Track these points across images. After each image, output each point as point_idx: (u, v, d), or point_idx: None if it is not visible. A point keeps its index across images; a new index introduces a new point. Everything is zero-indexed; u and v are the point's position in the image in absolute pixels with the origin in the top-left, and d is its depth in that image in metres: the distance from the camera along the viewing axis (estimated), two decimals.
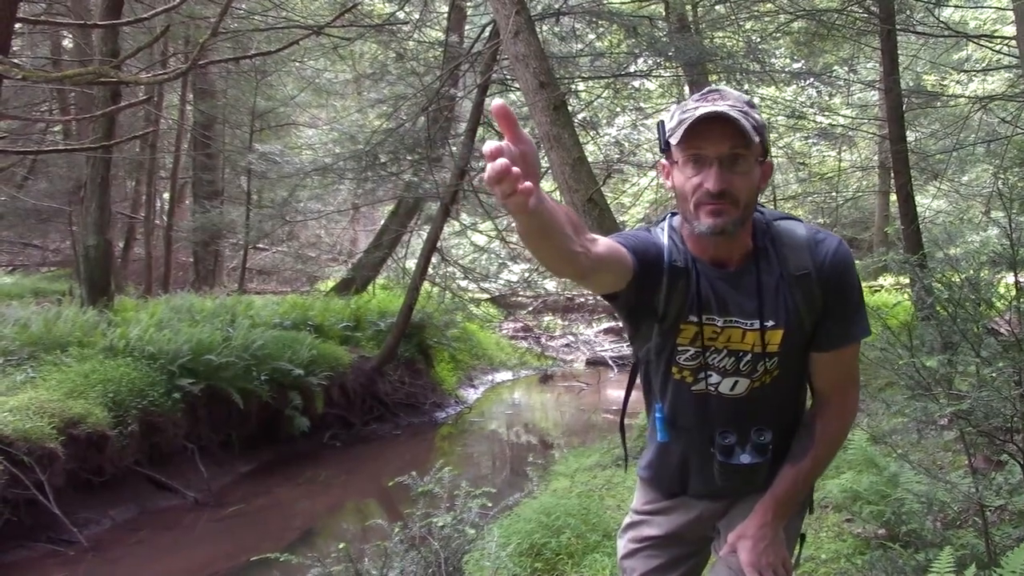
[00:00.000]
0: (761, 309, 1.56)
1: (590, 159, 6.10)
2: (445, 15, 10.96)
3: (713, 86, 1.60)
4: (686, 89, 9.34)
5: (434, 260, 10.12)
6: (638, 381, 1.82)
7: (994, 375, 2.42)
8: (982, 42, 8.90)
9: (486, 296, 12.35)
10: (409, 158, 10.02)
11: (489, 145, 1.02)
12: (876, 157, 14.04)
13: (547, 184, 11.62)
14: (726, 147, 1.45)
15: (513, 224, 1.22)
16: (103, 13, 7.26)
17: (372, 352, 9.53)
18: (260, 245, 14.89)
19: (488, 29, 8.92)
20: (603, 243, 1.40)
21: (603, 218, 4.80)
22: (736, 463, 1.62)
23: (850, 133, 12.33)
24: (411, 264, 11.41)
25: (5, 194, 11.73)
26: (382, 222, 13.88)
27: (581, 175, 4.86)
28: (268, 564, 3.33)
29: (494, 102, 1.04)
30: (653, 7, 9.47)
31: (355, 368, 8.90)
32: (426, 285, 10.32)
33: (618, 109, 10.80)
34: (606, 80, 9.54)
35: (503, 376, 12.82)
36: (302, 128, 16.40)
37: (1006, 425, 2.51)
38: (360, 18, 10.06)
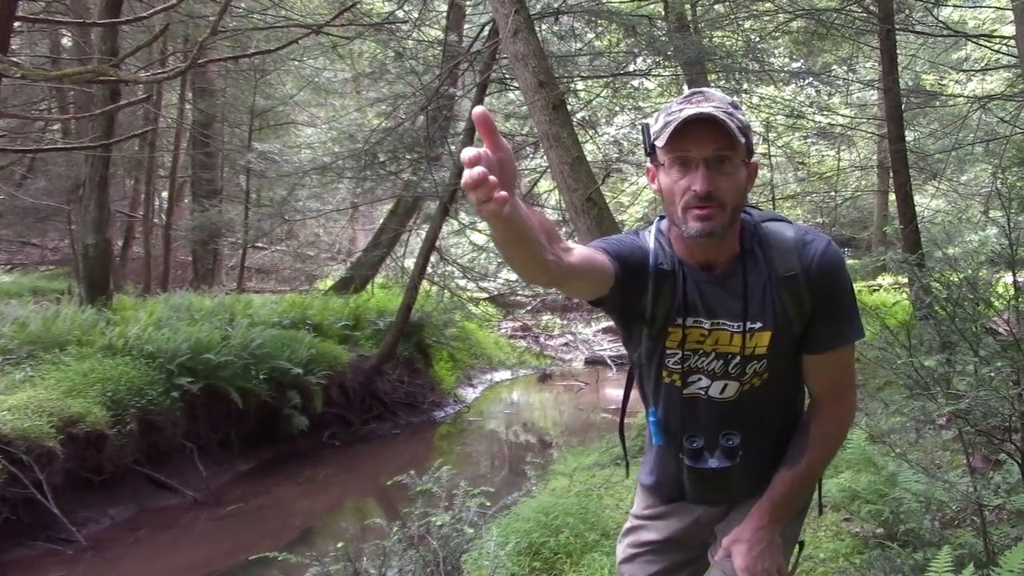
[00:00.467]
0: (746, 310, 1.55)
1: (589, 158, 6.11)
2: (444, 14, 10.95)
3: (696, 88, 1.60)
4: (685, 88, 9.34)
5: (433, 259, 10.13)
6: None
7: (992, 374, 2.42)
8: (981, 42, 8.90)
9: (485, 295, 12.36)
10: (408, 157, 10.02)
11: (467, 152, 1.03)
12: (875, 156, 14.04)
13: (546, 183, 11.57)
14: (711, 149, 1.45)
15: None
16: (102, 12, 7.26)
17: (371, 351, 9.52)
18: (259, 244, 14.88)
19: (487, 28, 8.91)
20: (578, 252, 1.40)
21: (601, 217, 4.80)
22: (703, 467, 1.62)
23: (849, 132, 12.32)
24: (410, 263, 11.40)
25: (4, 192, 11.70)
26: (381, 221, 13.87)
27: (580, 174, 4.87)
28: (267, 563, 3.33)
29: (475, 108, 1.06)
30: (652, 6, 9.45)
31: (354, 367, 8.90)
32: (425, 284, 10.32)
33: (617, 108, 10.78)
34: (605, 79, 9.55)
35: (502, 375, 12.82)
36: (301, 127, 16.39)
37: (1004, 424, 2.51)
38: (359, 17, 10.05)
